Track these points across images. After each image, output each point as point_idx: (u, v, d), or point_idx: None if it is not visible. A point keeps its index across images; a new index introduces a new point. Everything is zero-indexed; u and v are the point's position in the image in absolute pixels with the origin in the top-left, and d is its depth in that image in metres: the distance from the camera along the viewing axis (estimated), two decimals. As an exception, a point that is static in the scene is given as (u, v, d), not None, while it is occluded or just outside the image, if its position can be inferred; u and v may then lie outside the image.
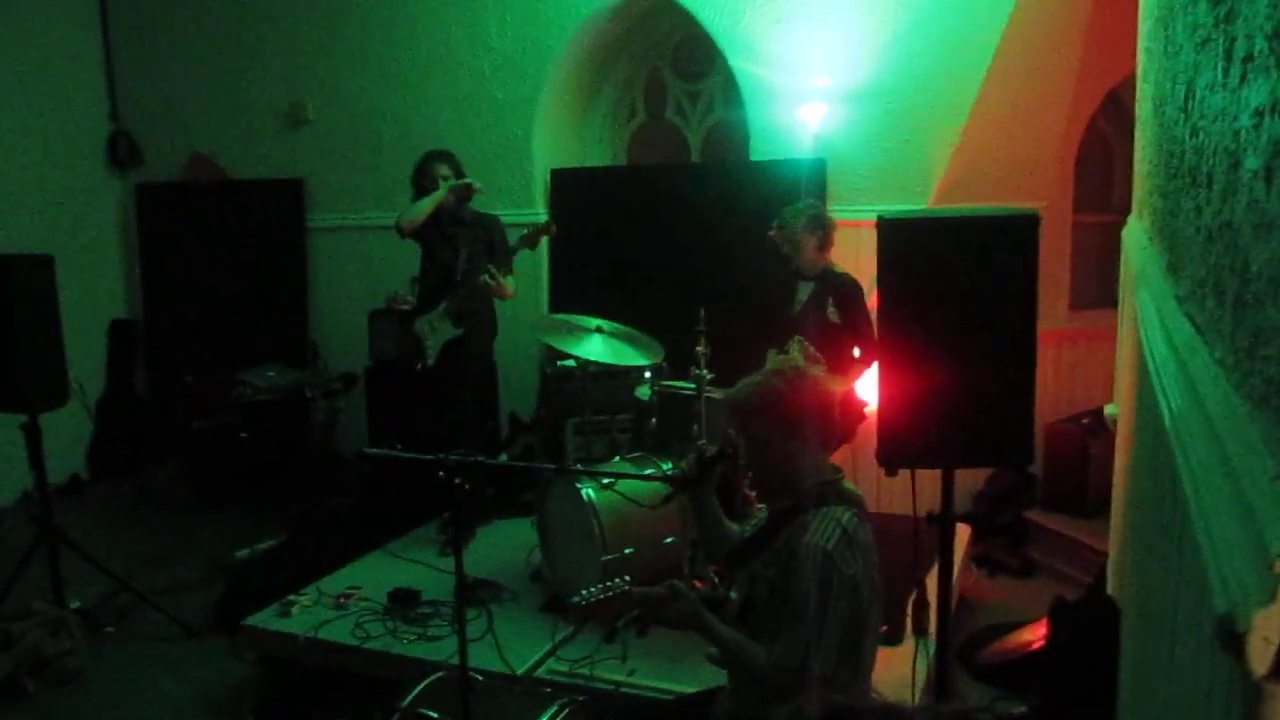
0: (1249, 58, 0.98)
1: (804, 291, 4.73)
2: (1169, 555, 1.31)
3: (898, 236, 2.96)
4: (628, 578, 2.65)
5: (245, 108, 7.13)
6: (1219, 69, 1.20)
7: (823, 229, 4.64)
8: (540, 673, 3.72)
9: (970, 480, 5.55)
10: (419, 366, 5.06)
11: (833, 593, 2.36)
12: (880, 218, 2.98)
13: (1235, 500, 0.85)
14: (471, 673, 2.89)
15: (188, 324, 7.33)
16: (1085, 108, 5.70)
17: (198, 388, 6.75)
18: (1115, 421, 4.04)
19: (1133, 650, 2.23)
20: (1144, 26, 3.34)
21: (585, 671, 3.60)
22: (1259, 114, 0.92)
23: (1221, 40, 1.19)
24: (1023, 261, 2.89)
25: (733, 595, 2.65)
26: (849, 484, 2.63)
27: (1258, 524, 0.76)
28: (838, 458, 4.57)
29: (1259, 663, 0.68)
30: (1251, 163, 0.96)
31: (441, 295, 5.03)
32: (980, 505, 5.53)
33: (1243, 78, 1.02)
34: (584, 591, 2.61)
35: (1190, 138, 1.50)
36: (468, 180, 4.97)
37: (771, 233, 4.70)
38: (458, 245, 5.01)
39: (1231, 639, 0.73)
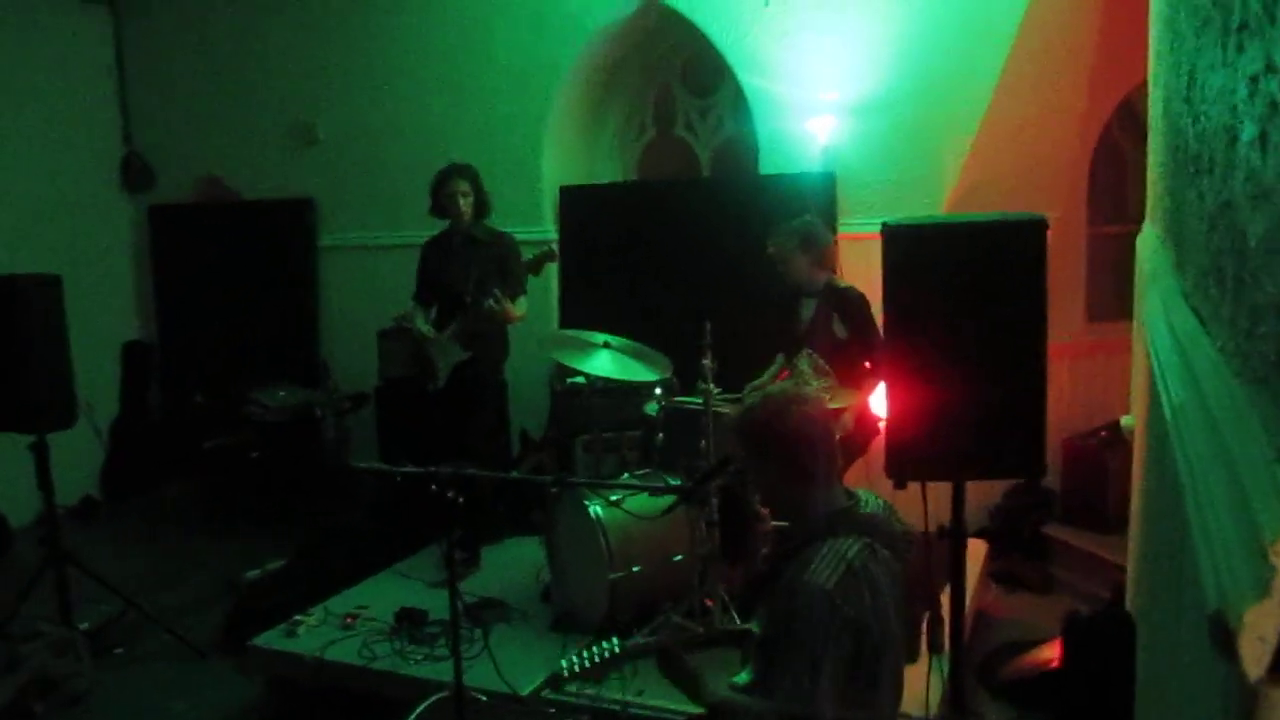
0: (1244, 25, 0.93)
1: (809, 308, 4.66)
2: (1173, 557, 1.24)
3: (903, 244, 2.91)
4: (616, 640, 2.58)
5: (255, 129, 7.16)
6: (1218, 46, 1.15)
7: (816, 247, 4.51)
8: (546, 693, 3.66)
9: (987, 494, 5.45)
10: (430, 387, 5.02)
11: (831, 635, 2.24)
12: (885, 225, 2.93)
13: (1231, 487, 0.78)
14: (476, 693, 2.84)
15: (200, 344, 7.34)
16: (1098, 117, 5.63)
17: (209, 407, 6.75)
18: (1132, 433, 3.96)
19: (1145, 664, 2.16)
20: (1154, 29, 3.28)
21: (591, 691, 3.53)
22: (1254, 79, 0.87)
23: (1219, 16, 1.14)
24: (1031, 268, 2.83)
25: (754, 629, 2.58)
26: (872, 505, 2.51)
27: (1252, 510, 0.70)
28: (853, 471, 4.55)
29: (1253, 664, 0.61)
30: (1248, 132, 0.91)
31: (450, 317, 4.98)
32: (997, 520, 5.44)
33: (1239, 47, 0.97)
34: (569, 660, 2.55)
35: (1193, 125, 1.45)
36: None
37: (769, 250, 4.61)
38: (469, 265, 4.96)
39: (1225, 639, 0.66)
